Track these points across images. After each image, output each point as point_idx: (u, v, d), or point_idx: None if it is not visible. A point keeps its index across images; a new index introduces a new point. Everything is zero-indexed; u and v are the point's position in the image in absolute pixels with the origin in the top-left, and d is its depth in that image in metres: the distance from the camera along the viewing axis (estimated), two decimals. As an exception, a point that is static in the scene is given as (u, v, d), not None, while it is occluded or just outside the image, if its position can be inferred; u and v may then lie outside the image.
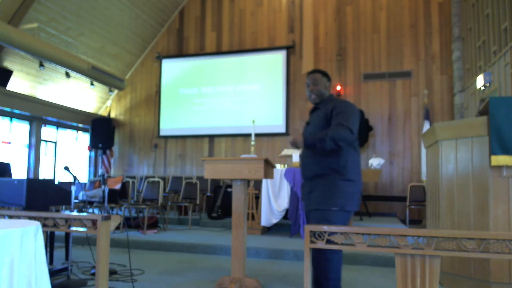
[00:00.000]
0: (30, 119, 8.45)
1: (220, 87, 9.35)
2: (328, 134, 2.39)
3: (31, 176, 8.26)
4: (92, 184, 7.13)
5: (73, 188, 3.52)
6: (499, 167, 2.91)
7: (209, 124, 9.29)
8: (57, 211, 5.81)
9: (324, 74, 2.71)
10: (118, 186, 6.10)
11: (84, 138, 10.07)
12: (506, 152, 2.83)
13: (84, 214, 2.48)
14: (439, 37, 8.11)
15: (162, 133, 9.68)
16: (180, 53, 9.78)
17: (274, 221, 5.63)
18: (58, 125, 9.24)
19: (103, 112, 10.20)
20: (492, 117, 2.87)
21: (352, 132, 2.41)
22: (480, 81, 4.06)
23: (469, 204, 3.05)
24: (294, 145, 2.52)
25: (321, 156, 2.53)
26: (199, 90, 9.50)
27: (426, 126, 7.54)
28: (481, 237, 1.83)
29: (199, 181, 7.10)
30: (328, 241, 2.09)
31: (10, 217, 2.48)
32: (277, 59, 8.99)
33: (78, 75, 8.37)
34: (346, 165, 2.50)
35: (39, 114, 8.32)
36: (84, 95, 9.44)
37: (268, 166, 3.11)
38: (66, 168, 3.57)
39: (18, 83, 7.76)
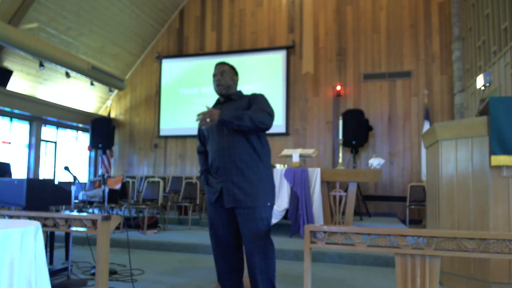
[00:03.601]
0: (30, 119, 8.46)
1: (220, 87, 9.33)
2: (246, 113, 2.32)
3: (31, 176, 8.26)
4: (92, 184, 7.13)
5: (73, 188, 3.52)
6: (499, 167, 2.91)
7: (209, 124, 9.27)
8: (57, 211, 5.81)
9: (232, 68, 2.66)
10: (118, 186, 6.10)
11: (84, 138, 10.07)
12: (506, 152, 2.83)
13: (84, 214, 2.48)
14: (439, 37, 8.11)
15: (162, 133, 9.68)
16: (180, 53, 9.77)
17: (274, 221, 5.62)
18: (58, 125, 9.24)
19: (103, 112, 10.20)
20: (492, 117, 2.87)
21: (271, 116, 2.41)
22: (480, 81, 4.06)
23: (469, 204, 3.05)
24: (208, 117, 2.22)
25: (247, 147, 2.42)
26: (199, 90, 9.50)
27: (426, 126, 7.54)
28: (481, 237, 1.83)
29: (199, 181, 7.10)
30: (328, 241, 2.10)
31: (10, 217, 2.48)
32: (277, 59, 8.99)
33: (78, 75, 8.37)
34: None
35: (39, 114, 8.32)
36: (84, 95, 9.44)
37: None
38: (66, 168, 3.57)
39: (18, 83, 7.76)
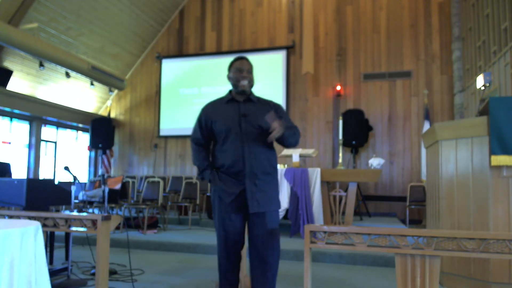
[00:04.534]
0: (30, 119, 8.45)
1: (220, 87, 9.33)
2: (295, 133, 2.44)
3: (31, 176, 8.26)
4: (92, 184, 7.13)
5: (73, 188, 3.52)
6: (499, 167, 2.91)
7: (209, 124, 9.27)
8: (57, 211, 5.81)
9: (252, 66, 2.57)
10: (118, 186, 6.10)
11: (84, 138, 10.07)
12: (506, 152, 2.83)
13: (84, 214, 2.48)
14: (439, 37, 8.11)
15: (162, 133, 9.67)
16: (180, 53, 9.77)
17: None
18: (58, 125, 9.24)
19: (103, 112, 10.20)
20: (492, 117, 2.87)
21: (300, 135, 2.55)
22: (480, 81, 4.06)
23: (469, 204, 3.05)
24: (279, 129, 2.27)
25: (269, 153, 2.47)
26: (199, 90, 9.50)
27: (426, 126, 7.54)
28: (481, 237, 1.83)
29: (199, 181, 7.10)
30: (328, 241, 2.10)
31: (10, 217, 2.48)
32: (277, 59, 8.99)
33: (78, 75, 8.37)
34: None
35: (39, 114, 8.32)
36: (84, 95, 9.44)
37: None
38: (66, 168, 3.57)
39: (18, 83, 7.75)
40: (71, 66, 7.62)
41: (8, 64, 7.40)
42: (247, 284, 3.07)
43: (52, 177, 8.95)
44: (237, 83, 2.46)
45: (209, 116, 2.51)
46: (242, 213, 2.41)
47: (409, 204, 6.76)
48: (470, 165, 3.06)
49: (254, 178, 2.37)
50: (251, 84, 2.48)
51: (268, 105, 2.53)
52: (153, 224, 6.11)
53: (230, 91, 2.55)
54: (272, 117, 2.25)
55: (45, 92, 8.45)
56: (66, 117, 9.05)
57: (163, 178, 7.68)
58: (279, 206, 2.52)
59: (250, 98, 2.49)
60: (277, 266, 2.44)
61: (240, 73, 2.45)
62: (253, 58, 10.16)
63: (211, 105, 2.58)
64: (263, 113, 2.37)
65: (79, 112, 9.41)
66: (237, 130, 2.39)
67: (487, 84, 3.94)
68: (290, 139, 2.41)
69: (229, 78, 2.53)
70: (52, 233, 3.90)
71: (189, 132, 10.32)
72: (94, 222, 2.40)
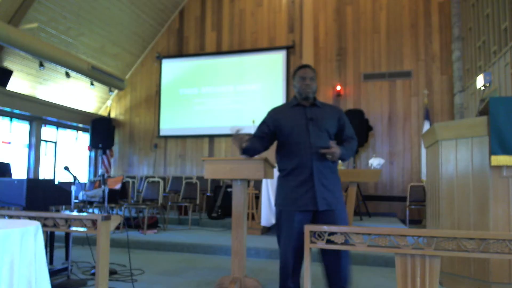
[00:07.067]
0: (30, 119, 8.45)
1: (220, 87, 9.34)
2: (353, 150, 2.60)
3: (31, 176, 8.26)
4: (92, 184, 7.13)
5: (73, 188, 3.52)
6: (499, 167, 2.91)
7: (209, 124, 9.29)
8: (57, 211, 5.81)
9: (315, 72, 2.71)
10: (118, 186, 6.09)
11: (84, 138, 10.07)
12: (506, 152, 2.83)
13: (84, 214, 2.48)
14: (439, 37, 8.11)
15: (162, 133, 9.68)
16: (180, 53, 9.78)
17: (274, 221, 5.62)
18: (58, 125, 9.24)
19: (103, 112, 10.20)
20: (492, 117, 2.87)
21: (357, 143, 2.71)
22: (480, 81, 4.07)
23: (469, 204, 3.05)
24: (334, 155, 2.42)
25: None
26: (199, 90, 9.50)
27: (426, 126, 7.54)
28: (481, 237, 1.83)
29: (199, 181, 7.10)
30: (328, 241, 2.10)
31: (10, 217, 2.48)
32: (277, 59, 8.99)
33: (78, 75, 8.37)
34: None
35: (39, 114, 8.32)
36: (84, 95, 9.44)
37: (268, 166, 3.11)
38: (66, 168, 3.57)
39: (18, 83, 7.76)
40: (71, 66, 7.62)
41: (8, 64, 7.40)
42: (247, 284, 3.07)
43: (52, 177, 8.95)
44: (301, 91, 2.63)
45: (277, 118, 2.66)
46: (310, 212, 2.47)
47: (409, 204, 6.75)
48: (470, 165, 3.06)
49: (321, 178, 2.46)
50: (312, 89, 2.63)
51: (333, 110, 2.66)
52: (153, 224, 6.11)
53: (295, 97, 2.71)
54: (332, 144, 2.43)
55: (45, 92, 8.45)
56: (66, 117, 9.05)
57: (163, 178, 7.68)
58: (344, 204, 2.61)
59: (315, 103, 2.64)
60: (350, 265, 2.53)
61: (304, 81, 2.62)
62: (253, 58, 10.11)
63: (278, 109, 2.77)
64: (329, 117, 2.57)
65: (79, 112, 9.41)
66: (304, 133, 2.52)
67: (487, 84, 3.94)
68: (346, 158, 2.57)
69: (294, 86, 2.73)
70: (52, 233, 3.90)
71: (189, 132, 10.26)
72: (94, 222, 2.40)
